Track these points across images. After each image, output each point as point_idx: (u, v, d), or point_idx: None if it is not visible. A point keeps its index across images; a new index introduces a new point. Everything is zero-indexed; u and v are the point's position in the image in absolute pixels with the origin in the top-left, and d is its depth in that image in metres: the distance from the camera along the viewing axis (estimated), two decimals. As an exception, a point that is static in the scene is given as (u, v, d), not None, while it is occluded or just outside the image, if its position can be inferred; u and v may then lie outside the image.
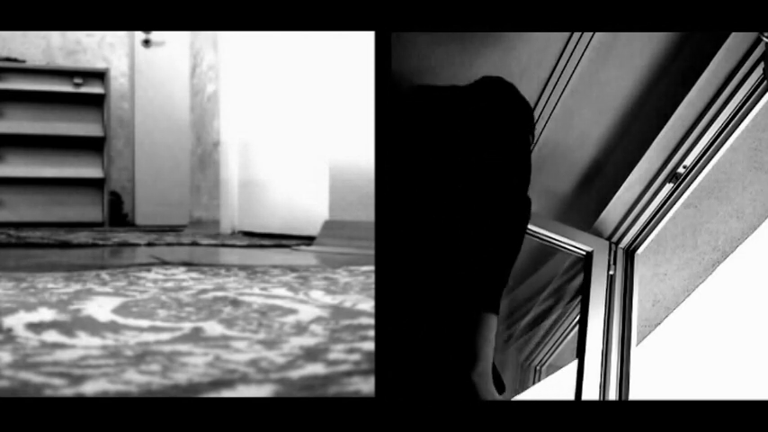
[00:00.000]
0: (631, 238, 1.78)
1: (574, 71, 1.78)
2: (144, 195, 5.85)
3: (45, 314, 1.05)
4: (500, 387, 1.17)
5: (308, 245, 2.93)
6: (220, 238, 3.51)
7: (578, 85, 1.81)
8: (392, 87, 1.53)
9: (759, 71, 1.42)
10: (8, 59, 5.23)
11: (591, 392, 1.66)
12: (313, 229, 3.20)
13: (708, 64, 1.44)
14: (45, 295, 1.25)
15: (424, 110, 1.32)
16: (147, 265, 1.90)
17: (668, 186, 1.70)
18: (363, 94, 2.84)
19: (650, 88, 1.69)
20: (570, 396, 1.70)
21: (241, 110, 4.05)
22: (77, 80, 5.11)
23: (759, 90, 1.46)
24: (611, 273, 1.73)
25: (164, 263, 2.04)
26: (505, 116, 1.36)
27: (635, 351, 1.72)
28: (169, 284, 1.45)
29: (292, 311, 1.11)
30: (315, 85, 3.37)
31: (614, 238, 1.88)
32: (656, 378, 2.01)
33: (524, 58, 1.83)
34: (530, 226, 1.75)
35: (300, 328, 0.97)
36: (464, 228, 1.18)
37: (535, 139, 1.51)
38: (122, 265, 2.05)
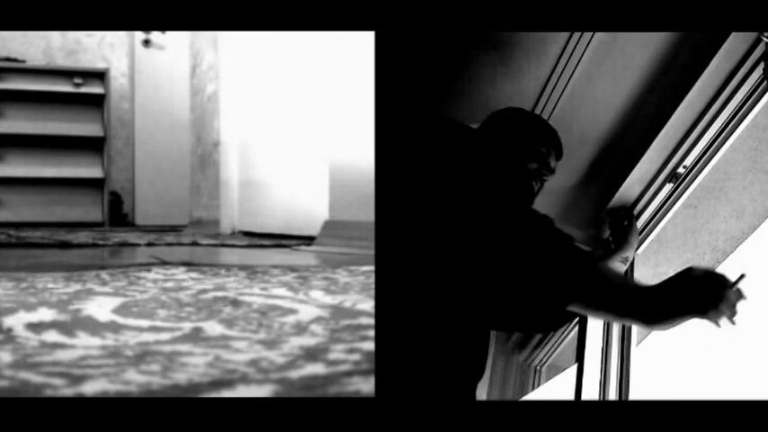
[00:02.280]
0: (631, 238, 1.78)
1: (574, 71, 1.78)
2: (144, 195, 5.85)
3: (45, 314, 1.05)
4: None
5: (308, 245, 2.93)
6: (220, 238, 3.51)
7: (578, 85, 1.81)
8: (396, 99, 1.52)
9: (759, 71, 1.42)
10: (8, 59, 5.23)
11: (591, 392, 1.65)
12: (313, 229, 3.20)
13: (708, 64, 1.44)
14: (45, 295, 1.25)
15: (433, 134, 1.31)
16: (147, 265, 1.90)
17: (668, 186, 1.70)
18: (363, 94, 2.84)
19: (650, 88, 1.69)
20: (570, 396, 1.70)
21: (241, 110, 4.05)
22: (77, 80, 5.11)
23: (759, 90, 1.45)
24: (611, 273, 1.73)
25: (164, 263, 2.04)
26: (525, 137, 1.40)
27: (635, 351, 1.72)
28: (169, 284, 1.45)
29: (292, 311, 1.11)
30: (315, 85, 3.37)
31: (614, 238, 1.87)
32: (656, 378, 2.00)
33: (524, 58, 1.83)
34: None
35: (300, 328, 0.97)
36: (463, 228, 1.17)
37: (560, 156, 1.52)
38: (122, 265, 2.05)
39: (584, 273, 1.11)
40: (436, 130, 1.26)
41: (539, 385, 2.41)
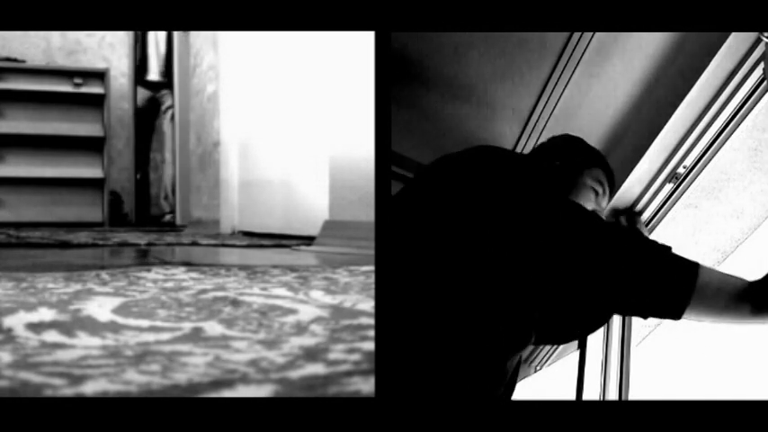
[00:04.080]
0: (631, 238, 1.78)
1: (574, 71, 1.78)
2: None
3: (45, 314, 1.05)
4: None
5: (308, 245, 2.92)
6: (220, 238, 3.51)
7: (578, 85, 1.81)
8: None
9: (759, 71, 1.42)
10: (8, 59, 5.23)
11: (591, 392, 1.65)
12: (313, 229, 3.20)
13: (708, 64, 1.44)
14: (45, 295, 1.25)
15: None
16: (147, 265, 1.90)
17: (668, 186, 1.70)
18: (363, 94, 2.84)
19: (650, 88, 1.69)
20: (570, 396, 1.70)
21: (241, 110, 4.05)
22: (77, 80, 5.11)
23: (759, 90, 1.46)
24: (611, 273, 1.73)
25: (164, 263, 2.04)
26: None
27: (635, 351, 1.72)
28: (169, 284, 1.45)
29: (292, 311, 1.11)
30: (315, 85, 3.37)
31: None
32: (656, 378, 2.00)
33: (524, 58, 1.83)
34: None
35: (300, 328, 0.97)
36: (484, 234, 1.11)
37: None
38: (122, 264, 2.05)
39: (695, 274, 1.01)
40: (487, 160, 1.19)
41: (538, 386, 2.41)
